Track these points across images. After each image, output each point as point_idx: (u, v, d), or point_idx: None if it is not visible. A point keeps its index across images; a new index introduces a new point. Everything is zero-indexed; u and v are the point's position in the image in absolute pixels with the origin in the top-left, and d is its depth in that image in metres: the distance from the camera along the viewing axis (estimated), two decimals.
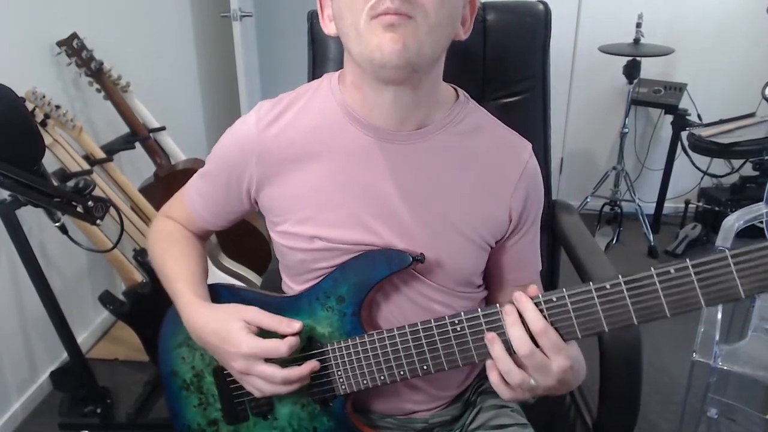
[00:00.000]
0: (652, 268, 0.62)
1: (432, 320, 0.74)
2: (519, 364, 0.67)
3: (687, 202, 2.93)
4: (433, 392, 0.90)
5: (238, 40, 2.60)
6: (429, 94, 0.79)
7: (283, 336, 0.78)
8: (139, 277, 1.82)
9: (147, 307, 1.75)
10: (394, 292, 0.84)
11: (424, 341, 0.74)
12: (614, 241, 2.88)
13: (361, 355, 0.78)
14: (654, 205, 2.97)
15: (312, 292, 0.83)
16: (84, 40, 1.90)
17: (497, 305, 0.70)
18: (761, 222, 1.47)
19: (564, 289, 0.66)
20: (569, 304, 0.66)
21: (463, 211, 0.81)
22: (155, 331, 1.49)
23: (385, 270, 0.79)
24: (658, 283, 0.62)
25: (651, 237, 2.78)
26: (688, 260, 0.60)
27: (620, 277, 0.63)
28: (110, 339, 2.21)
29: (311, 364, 0.78)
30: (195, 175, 0.93)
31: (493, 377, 0.68)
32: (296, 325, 0.78)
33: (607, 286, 0.64)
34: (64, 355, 1.70)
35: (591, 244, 1.16)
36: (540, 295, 0.67)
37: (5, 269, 1.75)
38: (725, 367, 1.36)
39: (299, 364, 0.79)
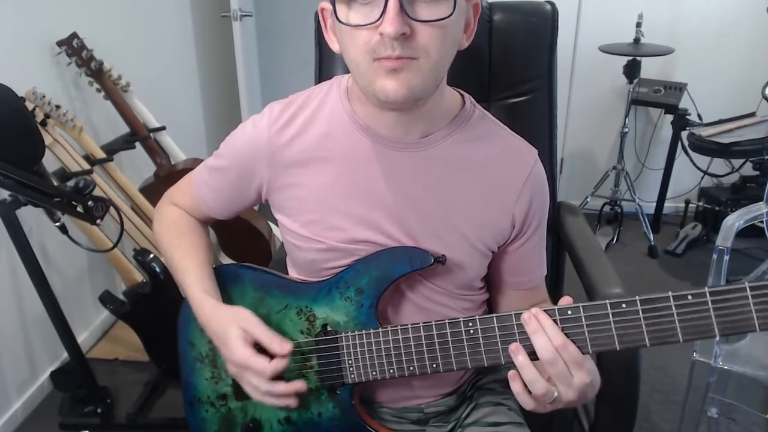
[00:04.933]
0: (670, 292, 0.62)
1: (446, 320, 0.75)
2: (542, 375, 0.68)
3: (687, 202, 2.92)
4: (432, 386, 0.91)
5: (238, 40, 2.60)
6: (432, 108, 0.80)
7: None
8: (139, 277, 1.82)
9: (147, 307, 1.75)
10: (395, 292, 0.85)
11: (436, 340, 0.76)
12: (614, 241, 2.88)
13: (374, 347, 0.80)
14: (654, 204, 2.97)
15: (333, 280, 0.85)
16: (84, 40, 1.89)
17: (512, 313, 0.71)
18: (761, 222, 1.47)
19: (580, 304, 0.66)
20: (583, 319, 0.66)
21: (466, 217, 0.82)
22: (155, 330, 1.49)
23: (406, 267, 0.80)
24: (674, 308, 0.61)
25: (651, 237, 2.78)
26: (706, 288, 0.60)
27: (637, 296, 0.63)
28: (110, 339, 2.21)
29: (297, 384, 0.80)
30: (202, 165, 0.95)
31: (516, 387, 0.69)
32: (287, 346, 0.79)
33: (623, 305, 0.64)
34: (64, 355, 1.71)
35: (594, 248, 1.15)
36: (555, 308, 0.68)
37: (5, 269, 1.75)
38: (725, 367, 1.36)
39: (311, 353, 0.83)
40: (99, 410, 1.70)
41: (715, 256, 1.36)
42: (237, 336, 0.79)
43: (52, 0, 1.88)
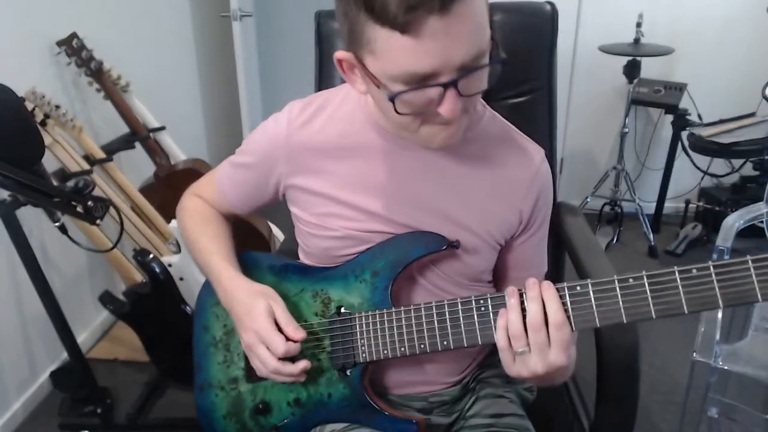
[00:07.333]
0: (675, 267, 0.64)
1: (458, 298, 0.78)
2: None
3: (687, 202, 2.92)
4: (438, 372, 0.93)
5: (238, 40, 2.60)
6: None
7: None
8: (139, 277, 1.82)
9: (147, 307, 1.75)
10: (409, 280, 0.88)
11: (447, 317, 0.78)
12: (614, 241, 2.88)
13: (386, 326, 0.82)
14: (654, 204, 2.97)
15: (349, 264, 0.88)
16: (84, 39, 1.90)
17: (523, 291, 0.73)
18: (761, 222, 1.47)
19: (588, 280, 0.69)
20: (591, 293, 0.68)
21: (476, 211, 0.85)
22: (155, 330, 1.49)
23: (421, 250, 0.83)
24: (679, 281, 0.64)
25: (651, 237, 2.78)
26: (710, 262, 0.63)
27: (644, 271, 0.66)
28: (110, 339, 2.21)
29: (303, 364, 0.82)
30: (227, 160, 0.99)
31: (501, 322, 0.71)
32: (301, 333, 0.82)
33: (630, 280, 0.67)
34: (64, 355, 1.70)
35: (594, 247, 1.15)
36: (565, 285, 0.70)
37: (5, 269, 1.75)
38: (726, 367, 1.36)
39: (324, 333, 0.86)
40: (99, 410, 1.70)
41: (715, 256, 1.36)
42: (264, 308, 0.82)
43: (52, 0, 1.88)
